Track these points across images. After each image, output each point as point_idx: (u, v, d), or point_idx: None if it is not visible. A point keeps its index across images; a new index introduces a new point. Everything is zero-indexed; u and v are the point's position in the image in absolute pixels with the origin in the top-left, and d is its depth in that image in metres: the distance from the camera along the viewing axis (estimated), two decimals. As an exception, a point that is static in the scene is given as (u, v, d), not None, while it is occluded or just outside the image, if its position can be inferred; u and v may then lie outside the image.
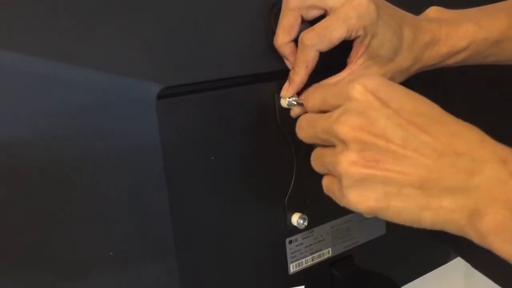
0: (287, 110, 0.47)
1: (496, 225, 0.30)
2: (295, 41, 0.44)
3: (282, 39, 0.44)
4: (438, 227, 0.32)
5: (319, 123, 0.35)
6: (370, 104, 0.33)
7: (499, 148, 0.31)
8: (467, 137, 0.32)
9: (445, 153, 0.31)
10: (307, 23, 0.44)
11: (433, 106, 0.33)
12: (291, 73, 0.45)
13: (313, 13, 0.44)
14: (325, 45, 0.43)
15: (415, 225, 0.33)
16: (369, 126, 0.32)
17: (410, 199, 0.32)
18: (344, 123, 0.33)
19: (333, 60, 0.44)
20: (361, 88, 0.33)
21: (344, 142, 0.33)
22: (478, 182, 0.30)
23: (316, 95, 0.37)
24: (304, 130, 0.37)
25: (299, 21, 0.44)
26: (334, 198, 0.36)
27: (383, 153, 0.32)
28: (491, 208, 0.30)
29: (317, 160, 0.37)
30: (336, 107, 0.35)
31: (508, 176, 0.30)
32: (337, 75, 0.45)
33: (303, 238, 0.52)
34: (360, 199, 0.33)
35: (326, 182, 0.37)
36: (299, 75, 0.44)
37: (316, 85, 0.43)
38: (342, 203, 0.35)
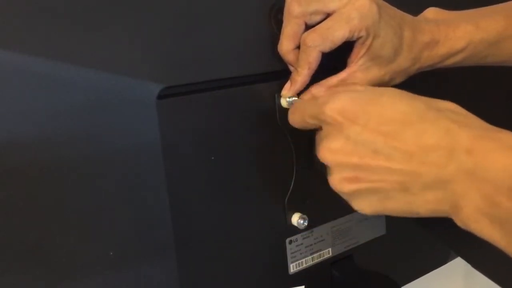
0: (287, 110, 0.47)
1: (474, 214, 0.31)
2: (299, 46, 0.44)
3: (286, 46, 0.44)
4: (435, 215, 0.34)
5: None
6: (340, 126, 0.36)
7: (465, 137, 0.32)
8: (434, 132, 0.33)
9: (414, 153, 0.33)
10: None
11: (397, 108, 0.35)
12: (293, 74, 0.45)
13: (316, 18, 0.44)
14: (327, 46, 0.43)
15: (416, 216, 0.35)
16: (342, 147, 0.36)
17: (399, 200, 0.35)
18: (323, 150, 0.37)
19: (333, 60, 0.44)
20: (330, 112, 0.36)
21: (329, 167, 0.37)
22: (448, 176, 0.32)
23: (296, 116, 0.41)
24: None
25: (303, 27, 0.44)
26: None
27: (360, 169, 0.35)
28: (467, 199, 0.31)
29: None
30: (316, 125, 0.39)
31: (473, 166, 0.31)
32: (336, 75, 0.46)
33: (303, 238, 0.52)
34: (360, 207, 0.37)
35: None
36: (301, 76, 0.44)
37: (294, 105, 0.44)
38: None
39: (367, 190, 0.36)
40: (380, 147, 0.34)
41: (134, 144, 0.40)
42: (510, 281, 0.56)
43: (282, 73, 0.46)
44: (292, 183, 0.50)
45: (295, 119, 0.42)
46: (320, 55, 0.43)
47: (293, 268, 0.52)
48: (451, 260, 0.69)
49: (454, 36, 0.47)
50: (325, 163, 0.37)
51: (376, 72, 0.46)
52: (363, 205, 0.37)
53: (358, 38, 0.43)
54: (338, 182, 0.37)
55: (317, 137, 0.39)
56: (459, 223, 0.33)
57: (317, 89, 0.45)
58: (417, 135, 0.33)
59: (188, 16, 0.43)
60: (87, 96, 0.37)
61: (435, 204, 0.33)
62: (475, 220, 0.31)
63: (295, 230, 0.51)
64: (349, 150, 0.35)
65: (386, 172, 0.34)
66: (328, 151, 0.36)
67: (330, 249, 0.54)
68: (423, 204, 0.34)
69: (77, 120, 0.37)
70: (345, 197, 0.38)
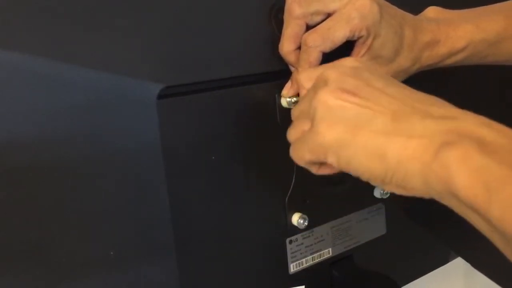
0: (288, 109, 0.47)
1: (463, 154, 0.28)
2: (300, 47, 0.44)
3: (287, 47, 0.44)
4: (401, 170, 0.31)
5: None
6: (359, 66, 0.36)
7: (478, 116, 0.30)
8: (447, 104, 0.33)
9: (421, 102, 0.32)
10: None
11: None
12: (294, 74, 0.45)
13: (317, 19, 0.44)
14: (328, 46, 0.43)
15: (378, 167, 0.32)
16: (355, 73, 0.35)
17: (376, 129, 0.32)
18: (331, 68, 0.36)
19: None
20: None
21: (326, 82, 0.35)
22: (452, 124, 0.30)
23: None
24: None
25: (304, 28, 0.44)
26: (298, 145, 0.36)
27: (362, 90, 0.33)
28: (461, 141, 0.28)
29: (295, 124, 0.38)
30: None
31: (482, 125, 0.29)
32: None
33: (303, 238, 0.52)
34: (329, 129, 0.33)
35: (293, 130, 0.38)
36: None
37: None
38: (310, 142, 0.35)
39: (353, 109, 0.33)
40: (392, 86, 0.34)
41: (134, 144, 0.40)
42: (510, 281, 0.56)
43: (282, 73, 0.46)
44: (292, 183, 0.50)
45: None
46: (320, 55, 0.43)
47: (293, 268, 0.52)
48: (451, 260, 0.69)
49: (455, 36, 0.47)
50: (327, 77, 0.35)
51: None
52: (334, 127, 0.33)
53: (359, 38, 0.43)
54: (328, 92, 0.33)
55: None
56: (434, 174, 0.29)
57: None
58: (430, 99, 0.33)
59: (188, 16, 0.43)
60: (87, 96, 0.37)
61: (412, 150, 0.30)
62: (457, 161, 0.28)
63: (295, 230, 0.51)
64: (360, 77, 0.34)
65: (387, 101, 0.32)
66: (335, 70, 0.35)
67: (330, 249, 0.54)
68: (400, 145, 0.31)
69: (77, 120, 0.37)
70: (320, 113, 0.34)
